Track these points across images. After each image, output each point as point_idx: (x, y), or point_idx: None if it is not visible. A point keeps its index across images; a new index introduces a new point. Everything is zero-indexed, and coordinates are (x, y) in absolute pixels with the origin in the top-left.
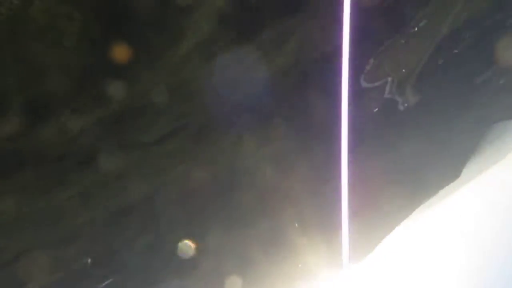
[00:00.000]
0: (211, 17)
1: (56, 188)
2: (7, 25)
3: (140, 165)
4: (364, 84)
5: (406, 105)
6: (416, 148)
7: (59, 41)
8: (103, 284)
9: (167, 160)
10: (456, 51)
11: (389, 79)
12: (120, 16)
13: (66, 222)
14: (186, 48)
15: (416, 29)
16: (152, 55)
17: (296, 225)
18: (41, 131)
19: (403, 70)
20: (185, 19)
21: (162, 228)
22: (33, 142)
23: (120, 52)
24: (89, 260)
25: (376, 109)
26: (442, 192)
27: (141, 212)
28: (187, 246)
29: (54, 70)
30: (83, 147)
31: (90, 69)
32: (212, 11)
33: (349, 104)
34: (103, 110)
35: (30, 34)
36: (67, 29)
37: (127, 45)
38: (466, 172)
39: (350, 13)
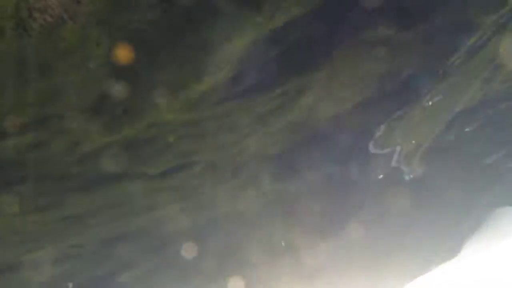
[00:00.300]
0: (233, 61)
1: (52, 207)
2: (37, 41)
3: (140, 196)
4: (372, 149)
5: (411, 176)
6: (415, 221)
7: (83, 63)
8: None
9: (167, 195)
10: (468, 129)
11: (398, 148)
12: (145, 46)
13: (56, 243)
14: (203, 88)
15: (430, 103)
16: (170, 89)
17: None
18: (49, 148)
19: (413, 141)
20: (208, 58)
21: (149, 266)
22: (39, 157)
23: (140, 81)
24: (71, 285)
25: (381, 176)
26: (439, 269)
27: (132, 244)
28: None
29: (74, 90)
30: (87, 171)
31: (108, 93)
32: (234, 55)
33: (354, 168)
34: (113, 137)
35: (57, 52)
36: (93, 52)
37: (149, 75)
38: (465, 251)
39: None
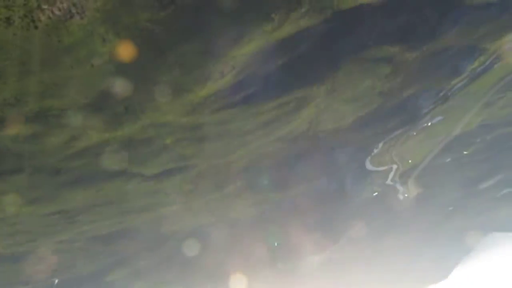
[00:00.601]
0: (237, 70)
1: (43, 201)
2: (43, 33)
3: (132, 196)
4: (369, 166)
5: (406, 195)
6: (404, 242)
7: (88, 59)
8: None
9: (159, 197)
10: (465, 152)
11: (394, 166)
12: (152, 47)
13: (42, 237)
14: (206, 93)
15: (429, 124)
16: (173, 91)
17: None
18: (47, 140)
19: (410, 161)
20: (214, 64)
21: (132, 268)
22: (37, 150)
23: (144, 81)
24: (56, 281)
25: (376, 194)
26: None
27: (117, 245)
28: None
29: (76, 85)
30: (83, 166)
31: (109, 91)
32: (239, 63)
33: (349, 183)
34: (112, 134)
35: (62, 46)
36: (98, 49)
37: (153, 76)
38: (455, 274)
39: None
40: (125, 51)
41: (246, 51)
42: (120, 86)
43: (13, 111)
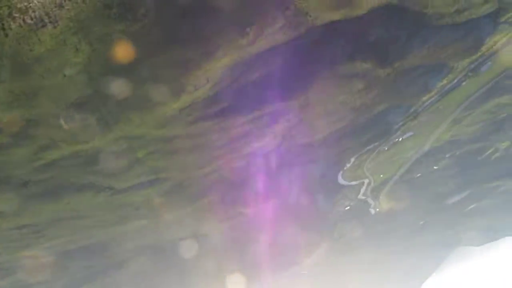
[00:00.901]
0: (211, 83)
1: (12, 215)
2: (14, 41)
3: (103, 209)
4: (341, 180)
5: (377, 209)
6: (375, 256)
7: (60, 68)
8: None
9: (130, 211)
10: (435, 167)
11: (366, 181)
12: (125, 59)
13: (9, 253)
14: (179, 106)
15: (400, 139)
16: (146, 104)
17: None
18: (14, 151)
19: (381, 176)
20: (188, 77)
21: (106, 281)
22: (4, 161)
23: (116, 93)
24: None
25: (348, 208)
26: None
27: (88, 258)
28: None
29: (47, 95)
30: (51, 179)
31: (80, 102)
32: (214, 76)
33: (322, 197)
34: (82, 146)
35: (34, 55)
36: (71, 59)
37: (124, 88)
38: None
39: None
40: (98, 61)
41: (221, 64)
42: (92, 97)
43: None
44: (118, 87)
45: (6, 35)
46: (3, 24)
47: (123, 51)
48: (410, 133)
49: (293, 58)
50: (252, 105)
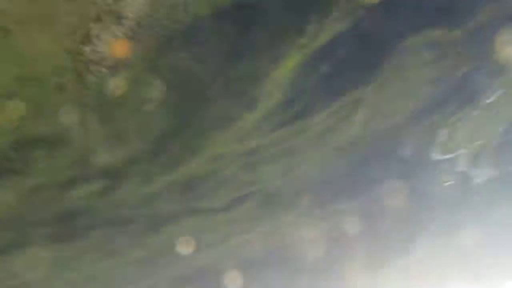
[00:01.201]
0: (283, 86)
1: (122, 251)
2: (95, 92)
3: (206, 231)
4: (434, 156)
5: (483, 178)
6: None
7: (139, 106)
8: None
9: (231, 227)
10: None
11: (463, 151)
12: (195, 82)
13: (127, 286)
14: (256, 117)
15: (491, 99)
16: (225, 122)
17: None
18: (115, 192)
19: (478, 142)
20: (258, 87)
21: None
22: (106, 203)
23: (194, 117)
24: None
25: (448, 183)
26: None
27: (201, 283)
28: None
29: (133, 134)
30: (152, 212)
31: (164, 133)
32: (283, 80)
33: (418, 179)
34: (173, 176)
35: (114, 100)
36: (148, 95)
37: (203, 112)
38: None
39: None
40: (172, 92)
41: (288, 67)
42: (174, 127)
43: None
44: (193, 111)
45: (88, 88)
46: (83, 79)
47: (191, 77)
48: (500, 91)
49: (358, 44)
50: (327, 99)
